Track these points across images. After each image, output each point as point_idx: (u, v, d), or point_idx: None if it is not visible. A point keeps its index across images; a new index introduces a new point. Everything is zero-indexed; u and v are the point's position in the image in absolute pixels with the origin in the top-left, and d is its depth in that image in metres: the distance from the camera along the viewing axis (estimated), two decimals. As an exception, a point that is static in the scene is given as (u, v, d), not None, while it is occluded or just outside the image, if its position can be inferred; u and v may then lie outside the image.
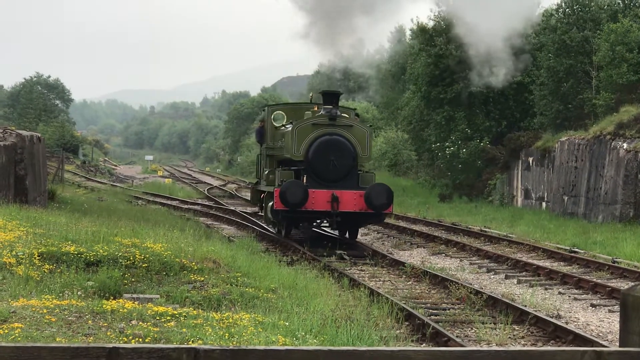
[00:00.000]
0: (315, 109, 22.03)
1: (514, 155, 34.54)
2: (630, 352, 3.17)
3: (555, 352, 3.21)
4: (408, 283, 15.71)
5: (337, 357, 2.90)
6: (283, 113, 23.47)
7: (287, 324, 10.07)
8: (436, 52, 38.57)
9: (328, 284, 14.25)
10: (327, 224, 21.15)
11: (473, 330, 11.50)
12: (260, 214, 27.50)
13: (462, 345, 10.22)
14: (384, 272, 17.30)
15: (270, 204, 20.09)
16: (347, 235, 22.33)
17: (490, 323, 11.74)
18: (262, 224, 25.72)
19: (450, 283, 14.58)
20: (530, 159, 33.01)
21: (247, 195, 48.29)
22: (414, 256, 20.28)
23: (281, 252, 20.37)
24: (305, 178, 20.03)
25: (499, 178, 35.56)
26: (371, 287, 14.50)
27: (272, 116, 23.34)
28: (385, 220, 23.91)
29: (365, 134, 21.05)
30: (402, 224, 27.74)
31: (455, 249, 20.98)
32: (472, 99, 37.74)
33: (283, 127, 22.35)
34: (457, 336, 10.90)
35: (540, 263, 18.12)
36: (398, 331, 11.31)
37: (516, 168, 34.51)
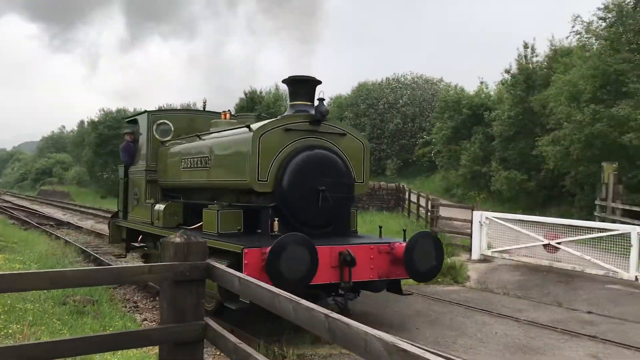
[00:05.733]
0: (226, 117, 14.01)
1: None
2: (170, 266, 4.05)
3: (127, 268, 3.70)
4: (90, 236, 25.39)
5: (41, 276, 3.77)
6: (170, 124, 15.39)
7: (21, 258, 13.22)
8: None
9: (46, 238, 22.34)
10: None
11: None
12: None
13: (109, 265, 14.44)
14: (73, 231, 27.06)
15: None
16: None
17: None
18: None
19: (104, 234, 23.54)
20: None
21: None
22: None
23: (21, 225, 29.12)
24: (276, 223, 10.55)
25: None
26: (65, 238, 23.44)
27: (155, 127, 15.24)
28: None
29: (362, 148, 11.91)
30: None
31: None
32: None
33: (173, 142, 14.71)
34: (109, 260, 17.84)
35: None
36: (79, 260, 17.58)
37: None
